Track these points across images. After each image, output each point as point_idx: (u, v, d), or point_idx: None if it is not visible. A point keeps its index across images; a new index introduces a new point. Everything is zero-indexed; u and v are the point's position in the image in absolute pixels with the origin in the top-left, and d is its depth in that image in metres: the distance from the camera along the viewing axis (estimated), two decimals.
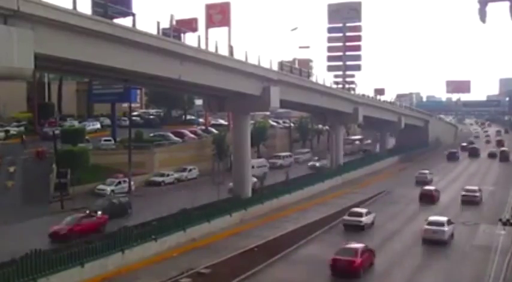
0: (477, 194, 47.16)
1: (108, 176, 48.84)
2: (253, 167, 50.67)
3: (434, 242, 32.50)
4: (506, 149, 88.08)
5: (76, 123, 67.23)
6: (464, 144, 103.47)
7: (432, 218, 34.64)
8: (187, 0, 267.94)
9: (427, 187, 50.46)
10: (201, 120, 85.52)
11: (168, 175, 54.45)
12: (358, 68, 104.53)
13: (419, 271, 28.04)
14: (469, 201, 46.07)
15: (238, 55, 41.66)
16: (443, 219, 34.49)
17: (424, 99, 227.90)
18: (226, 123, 75.94)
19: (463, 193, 47.53)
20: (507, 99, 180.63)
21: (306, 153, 79.49)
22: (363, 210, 37.91)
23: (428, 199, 46.73)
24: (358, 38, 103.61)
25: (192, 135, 68.82)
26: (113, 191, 46.52)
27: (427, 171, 61.23)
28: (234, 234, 35.09)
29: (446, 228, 33.15)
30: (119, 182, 48.17)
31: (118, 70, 31.57)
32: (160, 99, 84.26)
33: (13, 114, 73.25)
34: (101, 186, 47.33)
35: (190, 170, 57.43)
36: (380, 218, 39.00)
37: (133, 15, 31.63)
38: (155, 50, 32.07)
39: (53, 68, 36.03)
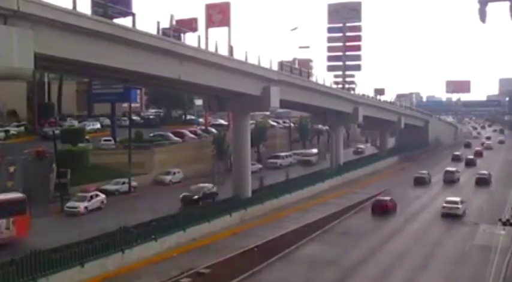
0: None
1: (108, 176, 48.62)
2: None
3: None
4: (501, 127, 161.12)
5: (76, 123, 67.31)
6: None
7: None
8: (187, 0, 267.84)
9: (450, 168, 63.35)
10: (201, 120, 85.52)
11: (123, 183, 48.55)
12: (358, 68, 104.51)
13: (419, 271, 28.04)
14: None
15: (238, 55, 41.72)
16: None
17: (424, 99, 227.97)
18: (226, 123, 75.95)
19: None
20: (507, 99, 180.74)
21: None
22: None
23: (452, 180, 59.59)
24: (358, 38, 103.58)
25: (192, 135, 68.81)
26: (86, 207, 40.56)
27: (459, 153, 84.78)
28: (234, 234, 35.09)
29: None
30: (91, 197, 41.76)
31: (118, 70, 31.54)
32: (160, 99, 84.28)
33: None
34: (71, 203, 40.73)
35: (174, 173, 54.44)
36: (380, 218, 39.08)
37: (133, 15, 31.64)
38: (155, 50, 32.05)
39: (53, 68, 36.09)
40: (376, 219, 40.33)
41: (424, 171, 60.41)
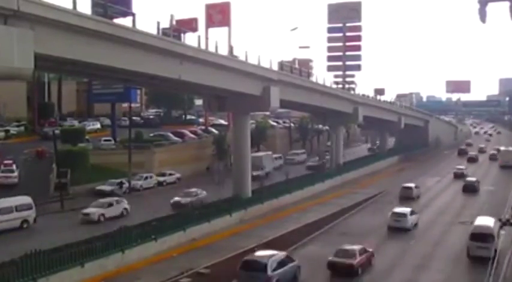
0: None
1: (108, 176, 48.49)
2: None
3: None
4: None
5: (76, 123, 67.35)
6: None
7: None
8: (187, 0, 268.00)
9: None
10: (201, 120, 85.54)
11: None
12: (358, 68, 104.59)
13: (419, 271, 28.03)
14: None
15: (238, 55, 41.71)
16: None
17: (424, 99, 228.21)
18: (226, 123, 75.97)
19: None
20: (507, 99, 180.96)
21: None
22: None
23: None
24: (358, 38, 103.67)
25: (192, 135, 68.85)
26: None
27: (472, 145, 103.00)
28: (234, 234, 35.07)
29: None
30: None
31: (118, 70, 31.54)
32: (160, 99, 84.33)
33: (13, 114, 73.36)
34: None
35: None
36: (380, 218, 39.03)
37: (133, 15, 31.64)
38: (155, 50, 32.05)
39: (53, 68, 36.08)
40: (377, 219, 40.25)
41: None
